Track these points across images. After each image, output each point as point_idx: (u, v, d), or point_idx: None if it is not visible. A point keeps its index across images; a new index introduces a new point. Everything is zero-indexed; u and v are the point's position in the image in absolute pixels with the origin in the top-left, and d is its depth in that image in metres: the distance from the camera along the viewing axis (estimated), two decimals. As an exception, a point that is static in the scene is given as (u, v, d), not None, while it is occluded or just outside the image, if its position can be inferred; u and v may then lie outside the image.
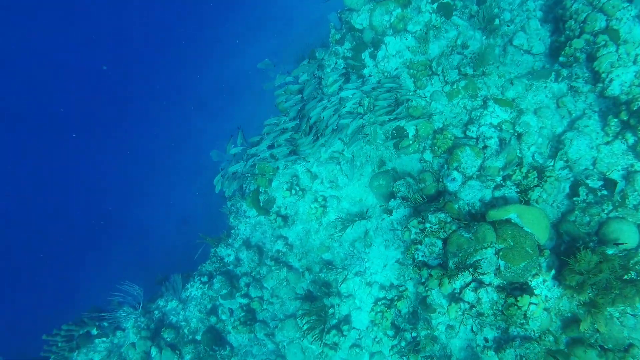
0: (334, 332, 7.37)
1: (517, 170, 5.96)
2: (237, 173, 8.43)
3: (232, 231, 9.39)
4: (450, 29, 7.18)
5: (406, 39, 7.28)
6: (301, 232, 8.25)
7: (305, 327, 7.52)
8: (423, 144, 6.85)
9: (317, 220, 7.90)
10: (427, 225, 5.84)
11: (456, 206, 5.91)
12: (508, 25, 7.24)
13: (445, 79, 6.95)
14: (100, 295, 10.15)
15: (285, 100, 7.79)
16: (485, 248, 5.28)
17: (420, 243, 5.87)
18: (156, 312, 9.38)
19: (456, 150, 6.18)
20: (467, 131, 6.51)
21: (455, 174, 6.15)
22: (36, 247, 25.19)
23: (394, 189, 6.75)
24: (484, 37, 7.27)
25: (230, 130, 8.35)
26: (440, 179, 6.42)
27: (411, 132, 6.79)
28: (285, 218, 8.39)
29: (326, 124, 7.15)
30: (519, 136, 6.36)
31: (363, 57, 7.76)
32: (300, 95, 7.79)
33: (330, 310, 7.64)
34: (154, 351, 8.72)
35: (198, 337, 8.84)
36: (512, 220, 5.56)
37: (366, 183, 7.54)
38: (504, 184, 6.12)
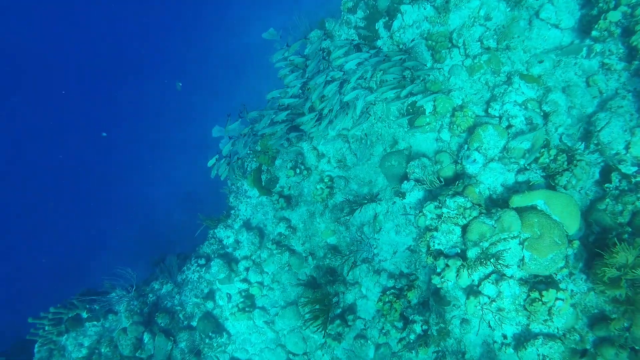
0: (337, 321, 6.96)
1: (545, 153, 5.43)
2: (233, 156, 7.89)
3: (232, 212, 8.92)
4: (473, -2, 6.57)
5: (424, 8, 6.67)
6: (305, 214, 7.77)
7: (307, 317, 7.10)
8: (440, 122, 6.30)
9: (322, 202, 7.41)
10: (445, 210, 5.35)
11: (477, 190, 5.40)
12: (535, -4, 6.62)
13: (467, 52, 6.36)
14: (98, 275, 9.76)
15: (285, 75, 7.17)
16: (512, 238, 4.80)
17: (437, 230, 5.39)
18: (150, 295, 8.96)
19: (478, 129, 5.65)
20: (490, 109, 5.96)
21: (476, 154, 5.63)
22: (36, 225, 24.88)
23: (407, 170, 6.23)
24: (509, 9, 6.66)
25: (234, 108, 7.75)
26: (459, 161, 5.90)
27: (428, 108, 6.24)
28: (288, 199, 7.91)
29: (330, 104, 6.55)
30: (546, 116, 5.81)
31: (377, 28, 7.16)
32: (301, 70, 7.16)
33: (335, 299, 7.22)
34: (146, 337, 8.33)
35: (194, 323, 8.45)
36: (539, 207, 5.06)
37: (376, 163, 7.02)
38: (528, 167, 5.60)
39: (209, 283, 8.60)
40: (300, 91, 6.92)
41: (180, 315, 8.62)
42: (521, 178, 5.58)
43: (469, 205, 5.27)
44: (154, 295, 8.97)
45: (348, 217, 6.95)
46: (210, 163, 7.59)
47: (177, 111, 24.10)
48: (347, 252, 7.20)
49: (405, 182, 6.19)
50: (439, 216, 5.41)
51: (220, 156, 7.41)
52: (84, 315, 8.97)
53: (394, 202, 6.52)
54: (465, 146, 5.77)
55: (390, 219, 6.58)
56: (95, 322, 8.90)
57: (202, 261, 8.83)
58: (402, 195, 6.14)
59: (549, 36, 6.51)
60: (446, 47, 6.43)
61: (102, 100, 27.02)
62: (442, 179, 5.88)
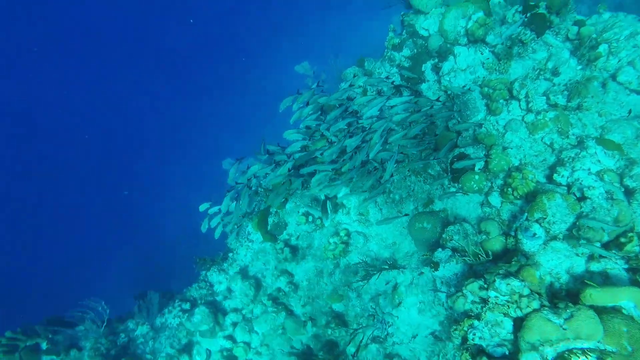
0: (331, 414, 5.36)
1: (635, 238, 4.04)
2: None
3: (230, 254, 7.61)
4: (540, 49, 5.51)
5: (481, 53, 5.64)
6: (312, 270, 6.40)
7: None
8: (490, 183, 5.02)
9: (334, 259, 6.06)
10: (493, 294, 3.94)
11: (538, 274, 4.00)
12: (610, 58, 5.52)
13: (529, 106, 5.21)
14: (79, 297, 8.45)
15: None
16: (589, 351, 3.32)
17: (479, 318, 3.95)
18: (122, 335, 7.53)
19: (542, 197, 4.33)
20: (555, 175, 4.67)
21: (537, 228, 4.28)
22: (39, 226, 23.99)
23: (443, 236, 4.89)
24: (579, 66, 5.56)
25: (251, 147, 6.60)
26: (512, 233, 4.55)
27: (478, 164, 5.00)
28: (294, 250, 6.59)
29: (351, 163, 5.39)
30: (630, 193, 4.48)
31: (423, 69, 6.14)
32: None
33: (332, 383, 5.66)
34: (105, 386, 6.83)
35: (162, 379, 6.93)
36: (625, 311, 3.61)
37: (404, 223, 5.71)
38: (605, 255, 4.19)
39: (189, 333, 7.13)
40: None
41: (149, 367, 7.11)
42: (595, 267, 4.16)
43: (526, 292, 3.85)
44: (126, 336, 7.52)
45: (362, 283, 5.55)
46: (202, 208, 6.40)
47: (202, 144, 23.58)
48: (356, 326, 5.72)
49: (440, 250, 4.83)
50: (484, 300, 3.99)
51: (215, 211, 6.23)
52: (44, 346, 7.54)
53: (422, 272, 5.12)
54: (524, 215, 4.42)
55: (413, 292, 5.15)
56: (54, 357, 7.47)
57: (187, 306, 7.42)
58: (434, 265, 4.75)
59: (627, 102, 5.33)
60: (504, 97, 5.29)
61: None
62: (487, 252, 4.51)
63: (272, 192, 5.95)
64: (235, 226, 6.44)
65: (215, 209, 6.31)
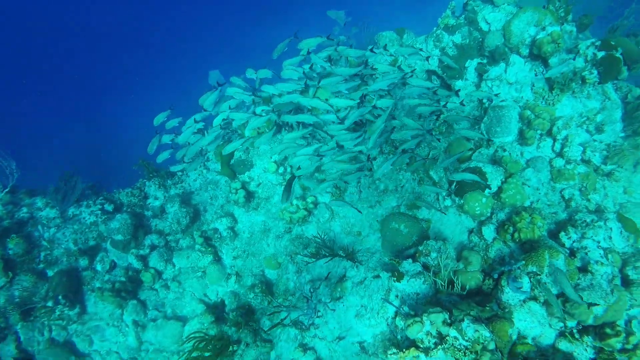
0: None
1: (623, 335, 3.46)
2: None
3: (179, 173, 6.57)
4: (596, 97, 4.76)
5: (536, 73, 4.82)
6: (259, 225, 5.52)
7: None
8: (490, 212, 4.29)
9: (289, 223, 5.20)
10: (453, 333, 3.24)
11: (510, 331, 3.34)
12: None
13: (563, 150, 4.48)
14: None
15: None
16: None
17: (427, 353, 3.25)
18: (24, 209, 6.37)
19: (544, 252, 3.65)
20: (562, 234, 4.00)
21: (526, 281, 3.60)
22: None
23: (419, 248, 4.13)
24: (623, 134, 4.89)
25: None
26: (496, 276, 3.86)
27: (492, 186, 4.23)
28: (250, 196, 5.66)
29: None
30: (628, 284, 3.89)
31: (467, 65, 5.26)
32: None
33: (235, 348, 4.88)
34: (-21, 256, 5.70)
35: (49, 272, 5.88)
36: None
37: (378, 216, 4.92)
38: (579, 338, 3.60)
39: (100, 236, 6.10)
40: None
41: (42, 254, 6.04)
42: (564, 346, 3.55)
43: (491, 346, 3.18)
44: (28, 213, 6.37)
45: (309, 261, 4.73)
46: (157, 121, 5.38)
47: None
48: (282, 301, 4.93)
49: (410, 261, 4.08)
50: (441, 337, 3.28)
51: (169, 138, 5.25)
52: None
53: (378, 276, 4.37)
54: (518, 263, 3.72)
55: (359, 293, 4.40)
56: None
57: (109, 207, 6.35)
58: (398, 276, 3.99)
59: (654, 190, 4.73)
60: (544, 130, 4.53)
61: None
62: (458, 285, 3.81)
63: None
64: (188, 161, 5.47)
65: (169, 136, 5.28)
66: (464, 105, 5.00)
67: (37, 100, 21.12)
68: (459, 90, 5.04)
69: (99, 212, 6.28)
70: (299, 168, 4.53)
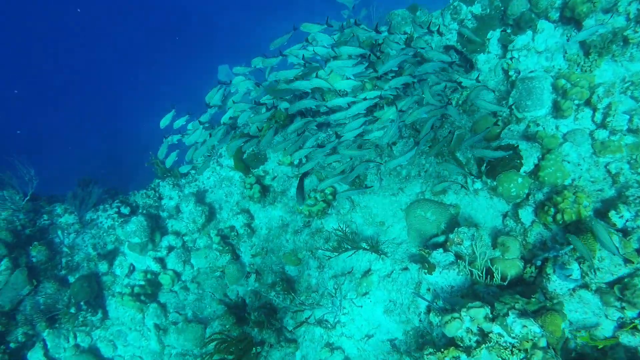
0: (243, 389, 4.31)
1: (694, 325, 2.98)
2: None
3: (193, 172, 6.31)
4: None
5: (567, 38, 4.30)
6: (277, 220, 5.19)
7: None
8: (528, 192, 3.83)
9: (308, 216, 4.85)
10: (497, 329, 2.83)
11: (562, 325, 2.90)
12: None
13: (606, 121, 3.97)
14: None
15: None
16: None
17: (469, 353, 2.85)
18: (45, 217, 6.24)
19: (596, 233, 3.18)
20: (612, 212, 3.51)
21: (575, 268, 3.16)
22: None
23: (450, 236, 3.72)
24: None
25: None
26: (539, 262, 3.41)
27: (528, 165, 3.77)
28: (265, 190, 5.34)
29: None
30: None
31: (489, 37, 4.77)
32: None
33: (258, 349, 4.57)
34: (4, 264, 5.57)
35: (71, 278, 5.72)
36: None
37: (402, 204, 4.52)
38: (640, 326, 3.13)
39: (117, 240, 5.90)
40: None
41: (63, 260, 5.88)
42: (626, 339, 3.09)
43: (543, 343, 2.75)
44: (49, 219, 6.23)
45: (331, 254, 4.38)
46: (163, 123, 5.06)
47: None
48: (305, 299, 4.59)
49: (441, 251, 3.67)
50: (484, 334, 2.88)
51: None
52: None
53: (406, 268, 3.98)
54: (566, 248, 3.26)
55: (387, 287, 4.02)
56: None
57: (126, 210, 6.15)
58: (429, 268, 3.59)
59: None
60: (583, 98, 4.02)
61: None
62: (497, 275, 3.38)
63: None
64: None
65: (177, 136, 4.98)
66: (479, 82, 4.52)
67: (54, 108, 21.43)
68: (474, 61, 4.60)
69: (116, 215, 6.08)
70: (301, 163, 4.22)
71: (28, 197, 6.16)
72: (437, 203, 4.29)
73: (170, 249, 5.68)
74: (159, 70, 22.04)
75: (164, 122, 5.15)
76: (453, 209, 4.25)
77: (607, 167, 3.89)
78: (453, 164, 4.27)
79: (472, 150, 4.21)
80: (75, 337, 5.52)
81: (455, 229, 3.71)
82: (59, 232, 5.98)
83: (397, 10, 5.67)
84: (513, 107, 4.31)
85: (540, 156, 3.74)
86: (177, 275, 5.59)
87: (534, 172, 3.74)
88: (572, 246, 3.17)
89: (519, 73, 4.48)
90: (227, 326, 4.99)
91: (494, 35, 4.77)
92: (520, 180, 3.67)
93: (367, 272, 4.28)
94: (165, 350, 5.27)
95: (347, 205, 4.63)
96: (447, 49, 5.03)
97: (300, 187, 3.66)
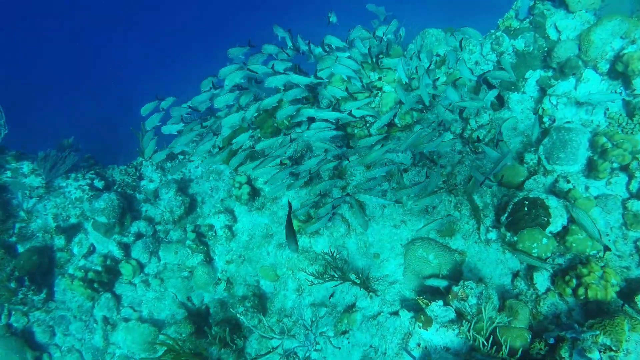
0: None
1: None
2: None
3: (181, 157, 5.70)
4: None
5: (619, 92, 3.87)
6: (261, 228, 4.60)
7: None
8: (550, 255, 3.33)
9: (297, 233, 4.29)
10: (501, 422, 2.31)
11: None
12: None
13: (643, 191, 3.53)
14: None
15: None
16: None
17: None
18: (8, 173, 5.54)
19: (623, 322, 2.69)
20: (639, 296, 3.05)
21: (596, 357, 2.67)
22: None
23: (454, 289, 3.19)
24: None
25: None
26: (552, 341, 2.91)
27: (556, 225, 3.27)
28: (255, 193, 4.76)
29: None
30: None
31: (527, 76, 4.32)
32: None
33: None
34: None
35: (20, 248, 5.03)
36: None
37: (403, 239, 3.99)
38: None
39: (83, 215, 5.23)
40: None
41: (16, 226, 5.19)
42: None
43: None
44: (12, 177, 5.54)
45: (314, 281, 3.81)
46: (145, 110, 4.54)
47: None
48: (275, 322, 4.01)
49: (440, 304, 3.14)
50: (482, 423, 2.35)
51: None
52: None
53: (397, 313, 3.44)
54: (589, 333, 2.76)
55: (370, 330, 3.47)
56: None
57: (100, 184, 5.49)
58: (425, 321, 3.06)
59: None
60: (624, 162, 3.56)
61: None
62: (506, 346, 2.87)
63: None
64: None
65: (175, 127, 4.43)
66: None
67: (53, 60, 20.48)
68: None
69: (87, 187, 5.42)
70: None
71: (-5, 150, 5.48)
72: (442, 246, 3.77)
73: (139, 236, 5.04)
74: (169, 46, 21.40)
75: (145, 110, 4.62)
76: (459, 255, 3.73)
77: (637, 243, 3.43)
78: (468, 209, 3.77)
79: (492, 197, 3.71)
80: (9, 315, 4.82)
81: (462, 282, 3.19)
82: (19, 194, 5.29)
83: (431, 29, 5.19)
84: (542, 157, 3.84)
85: (570, 218, 3.25)
86: (141, 266, 4.95)
87: (561, 235, 3.25)
88: (596, 332, 2.67)
89: (554, 121, 4.03)
90: (183, 335, 4.37)
91: (533, 76, 4.31)
92: (545, 241, 3.18)
93: (350, 308, 3.73)
94: (109, 348, 4.62)
95: (342, 229, 4.07)
96: (482, 80, 4.57)
97: (290, 230, 2.96)
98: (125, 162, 6.15)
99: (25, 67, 20.34)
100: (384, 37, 4.40)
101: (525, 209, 3.24)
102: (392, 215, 4.11)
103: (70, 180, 5.52)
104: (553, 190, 3.67)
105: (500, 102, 4.46)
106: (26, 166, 5.68)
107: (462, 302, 3.12)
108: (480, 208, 3.72)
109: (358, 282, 3.66)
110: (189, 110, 4.35)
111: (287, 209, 4.00)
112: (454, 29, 5.22)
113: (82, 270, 4.70)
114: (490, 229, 3.62)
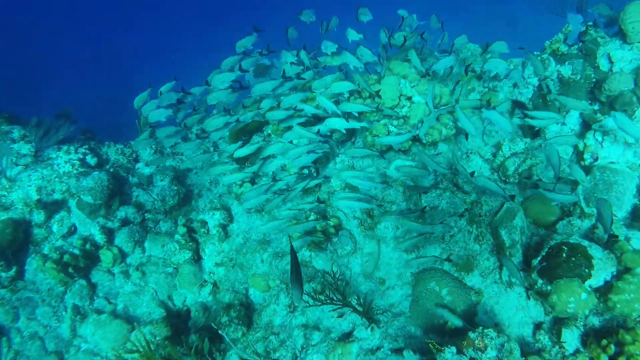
0: None
1: None
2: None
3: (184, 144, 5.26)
4: None
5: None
6: (258, 232, 4.17)
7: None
8: (585, 312, 2.90)
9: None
10: None
11: None
12: None
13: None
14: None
15: None
16: None
17: None
18: (-3, 136, 5.11)
19: None
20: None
21: None
22: None
23: (470, 335, 2.75)
24: None
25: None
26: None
27: (598, 279, 2.81)
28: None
29: None
30: None
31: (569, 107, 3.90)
32: None
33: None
34: None
35: (-3, 219, 4.59)
36: None
37: (413, 266, 3.55)
38: None
39: (68, 191, 4.78)
40: None
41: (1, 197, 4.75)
42: None
43: None
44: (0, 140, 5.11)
45: (309, 301, 3.37)
46: (137, 102, 4.32)
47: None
48: (261, 338, 3.57)
49: (453, 350, 2.70)
50: None
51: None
52: None
53: (400, 352, 2.99)
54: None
55: (367, 366, 3.03)
56: None
57: (92, 160, 5.05)
58: (435, 370, 2.63)
59: None
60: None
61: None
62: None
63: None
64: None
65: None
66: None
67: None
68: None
69: (78, 162, 4.98)
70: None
71: (-17, 111, 5.05)
72: (457, 281, 3.34)
73: (125, 222, 4.60)
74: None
75: (138, 102, 4.32)
76: (475, 295, 3.30)
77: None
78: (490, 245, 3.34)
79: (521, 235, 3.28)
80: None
81: (481, 328, 2.75)
82: (3, 160, 4.85)
83: (469, 44, 4.80)
84: (580, 197, 3.42)
85: (616, 273, 2.82)
86: (123, 255, 4.50)
87: (602, 292, 2.81)
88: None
89: (596, 159, 3.61)
90: (157, 338, 3.92)
91: (577, 107, 3.90)
92: (585, 296, 2.74)
93: (346, 336, 3.29)
94: (75, 340, 4.15)
95: (348, 247, 3.64)
96: (517, 105, 4.15)
97: (297, 275, 2.39)
98: (125, 141, 5.75)
99: (39, 42, 20.09)
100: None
101: (564, 255, 2.81)
102: (405, 237, 3.67)
103: (61, 152, 5.08)
104: (589, 236, 3.25)
105: (536, 133, 4.05)
106: (17, 131, 5.25)
107: (479, 352, 2.68)
108: (507, 245, 3.28)
109: (360, 309, 3.22)
110: (181, 95, 4.13)
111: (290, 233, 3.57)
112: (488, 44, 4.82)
113: (58, 252, 4.26)
114: (513, 270, 3.18)
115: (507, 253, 3.25)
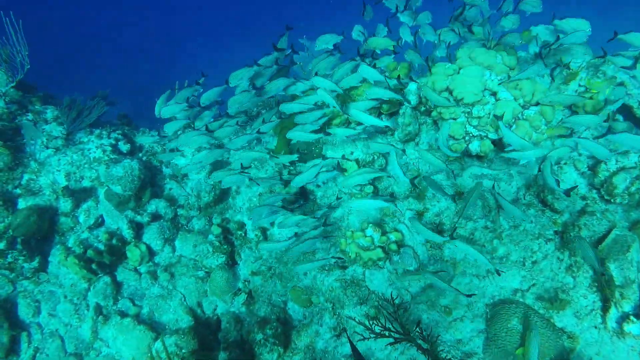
0: None
1: None
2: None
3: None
4: None
5: None
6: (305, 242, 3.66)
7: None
8: None
9: (349, 260, 3.31)
10: None
11: None
12: None
13: None
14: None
15: None
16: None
17: None
18: (30, 115, 4.79)
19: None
20: None
21: None
22: None
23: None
24: None
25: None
26: None
27: None
28: (305, 195, 3.81)
29: None
30: None
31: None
32: None
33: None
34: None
35: (22, 203, 4.26)
36: None
37: (487, 296, 2.95)
38: None
39: (98, 179, 4.42)
40: None
41: (25, 177, 4.41)
42: None
43: None
44: (32, 121, 4.79)
45: (363, 335, 2.82)
46: (159, 107, 3.85)
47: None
48: (300, 366, 3.07)
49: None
50: None
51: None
52: None
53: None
54: None
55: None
56: None
57: (125, 147, 4.66)
58: None
59: None
60: None
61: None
62: None
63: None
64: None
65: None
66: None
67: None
68: None
69: (109, 148, 4.60)
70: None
71: (13, 83, 4.73)
72: (544, 320, 2.71)
73: (156, 217, 4.17)
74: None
75: (158, 109, 3.84)
76: (568, 340, 2.66)
77: None
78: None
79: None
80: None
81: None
82: (36, 142, 4.53)
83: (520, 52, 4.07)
84: None
85: None
86: (151, 253, 4.08)
87: None
88: None
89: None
90: (183, 350, 3.48)
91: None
92: None
93: (404, 376, 2.73)
94: (96, 343, 3.77)
95: (412, 266, 3.06)
96: (623, 109, 3.43)
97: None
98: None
99: (83, 26, 20.36)
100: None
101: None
102: (477, 260, 3.07)
103: (93, 136, 4.72)
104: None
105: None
106: (50, 111, 4.91)
107: None
108: (618, 284, 2.62)
109: (425, 347, 2.65)
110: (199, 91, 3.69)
111: None
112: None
113: (82, 247, 3.88)
114: (632, 318, 2.52)
115: (616, 292, 2.59)
